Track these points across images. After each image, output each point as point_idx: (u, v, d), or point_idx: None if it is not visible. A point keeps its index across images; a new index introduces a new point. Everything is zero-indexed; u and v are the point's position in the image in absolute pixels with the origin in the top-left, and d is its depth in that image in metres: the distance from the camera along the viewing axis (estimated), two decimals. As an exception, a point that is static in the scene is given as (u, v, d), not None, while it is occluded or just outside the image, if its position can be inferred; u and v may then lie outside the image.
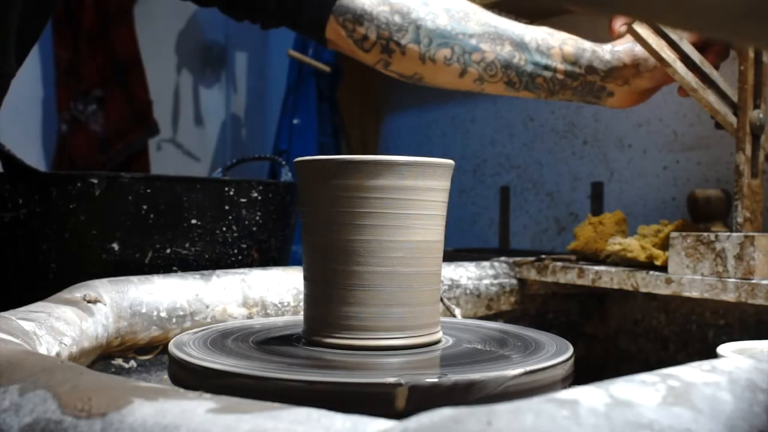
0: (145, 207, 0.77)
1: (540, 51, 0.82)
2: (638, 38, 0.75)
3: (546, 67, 0.83)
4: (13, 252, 0.77)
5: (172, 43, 2.47)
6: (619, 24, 0.76)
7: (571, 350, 0.51)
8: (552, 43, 0.83)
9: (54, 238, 0.75)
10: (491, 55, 0.82)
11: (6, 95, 0.73)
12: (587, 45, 0.83)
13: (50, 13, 0.77)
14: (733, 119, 0.76)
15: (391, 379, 0.41)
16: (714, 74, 0.76)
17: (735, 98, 0.76)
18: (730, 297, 0.70)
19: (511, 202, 1.57)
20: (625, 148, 1.36)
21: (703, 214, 0.87)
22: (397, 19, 0.81)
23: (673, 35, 0.75)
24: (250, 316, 0.71)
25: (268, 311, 0.73)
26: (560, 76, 0.83)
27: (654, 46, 0.74)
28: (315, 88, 2.06)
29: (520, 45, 0.82)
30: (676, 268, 0.75)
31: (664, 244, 0.81)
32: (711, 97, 0.76)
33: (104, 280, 0.65)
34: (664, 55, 0.74)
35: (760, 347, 0.59)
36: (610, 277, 0.82)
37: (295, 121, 2.06)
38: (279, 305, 0.74)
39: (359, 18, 0.81)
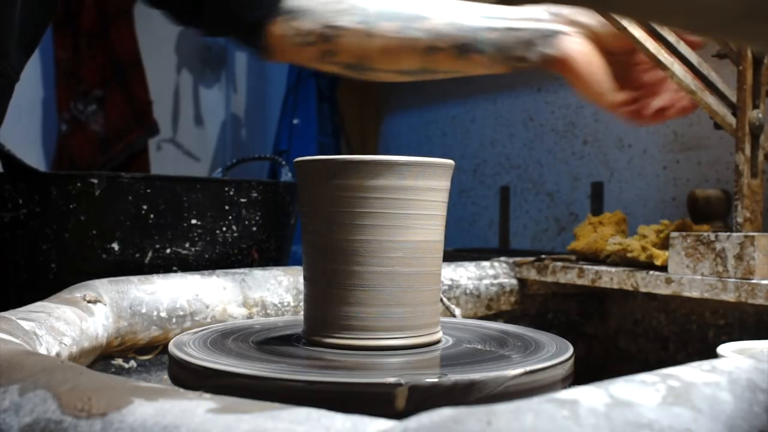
0: (145, 207, 0.77)
1: (487, 2, 0.80)
2: (635, 41, 0.75)
3: (495, 17, 0.79)
4: (13, 252, 0.77)
5: (172, 43, 2.47)
6: None
7: (571, 350, 0.51)
8: None
9: (54, 238, 0.75)
10: (438, 20, 0.79)
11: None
12: None
13: (52, 16, 0.77)
14: (732, 120, 0.76)
15: (391, 379, 0.41)
16: (712, 75, 0.76)
17: (734, 99, 0.76)
18: (730, 297, 0.70)
19: (511, 202, 1.57)
20: (625, 148, 1.36)
21: (703, 214, 0.87)
22: (340, 7, 0.80)
23: (670, 38, 0.75)
24: (250, 316, 0.71)
25: (268, 311, 0.73)
26: (510, 23, 0.78)
27: (651, 49, 0.74)
28: (315, 88, 2.07)
29: (465, 4, 0.80)
30: (676, 268, 0.75)
31: (664, 244, 0.81)
32: (710, 99, 0.76)
33: (104, 280, 0.65)
34: (661, 58, 0.74)
35: (760, 347, 0.59)
36: (610, 277, 0.82)
37: (295, 121, 2.06)
38: (279, 305, 0.74)
39: (302, 14, 0.80)
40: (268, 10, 0.80)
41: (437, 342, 0.54)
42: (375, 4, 0.80)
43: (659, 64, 0.75)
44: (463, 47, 0.79)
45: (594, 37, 0.77)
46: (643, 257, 0.81)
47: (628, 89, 0.78)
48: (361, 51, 0.81)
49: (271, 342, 0.54)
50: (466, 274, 0.87)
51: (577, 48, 0.76)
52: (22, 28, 0.70)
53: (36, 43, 0.75)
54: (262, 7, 0.80)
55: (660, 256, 0.79)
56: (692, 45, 0.76)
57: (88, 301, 0.60)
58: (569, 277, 0.87)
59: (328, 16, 0.80)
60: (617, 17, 0.73)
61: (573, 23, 0.77)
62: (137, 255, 0.77)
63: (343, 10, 0.80)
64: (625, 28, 0.74)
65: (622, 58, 0.78)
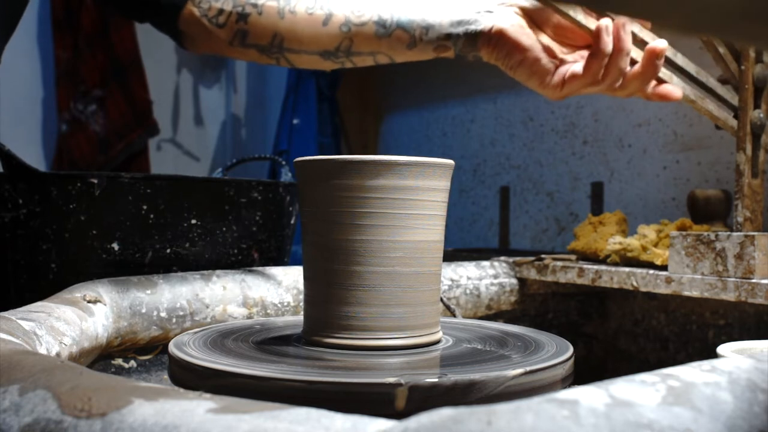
0: (145, 207, 0.77)
1: None
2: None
3: None
4: (13, 252, 0.77)
5: (172, 43, 2.47)
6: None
7: (571, 350, 0.51)
8: None
9: (54, 238, 0.75)
10: None
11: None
12: None
13: (25, 5, 0.76)
14: (734, 122, 0.76)
15: (391, 379, 0.41)
16: (711, 81, 0.76)
17: (734, 101, 0.76)
18: (730, 296, 0.70)
19: (511, 202, 1.57)
20: (625, 148, 1.36)
21: (703, 214, 0.87)
22: None
23: (668, 52, 0.75)
24: (250, 316, 0.71)
25: (268, 311, 0.73)
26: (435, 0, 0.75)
27: None
28: (315, 88, 2.07)
29: None
30: (676, 268, 0.75)
31: (665, 244, 0.81)
32: (710, 105, 0.76)
33: (104, 280, 0.65)
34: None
35: (760, 347, 0.59)
36: (610, 277, 0.82)
37: (295, 121, 2.06)
38: (279, 305, 0.74)
39: None
40: None
41: (437, 342, 0.54)
42: None
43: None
44: (384, 24, 0.76)
45: (523, 13, 0.74)
46: (643, 257, 0.81)
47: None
48: (275, 30, 0.78)
49: (271, 342, 0.54)
50: (466, 274, 0.87)
51: (509, 20, 0.74)
52: None
53: (14, 27, 0.75)
54: None
55: (660, 256, 0.79)
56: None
57: (88, 301, 0.60)
58: (569, 276, 0.87)
59: None
60: (615, 17, 0.73)
61: (503, 2, 0.75)
62: (137, 255, 0.77)
63: None
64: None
65: (553, 32, 0.75)
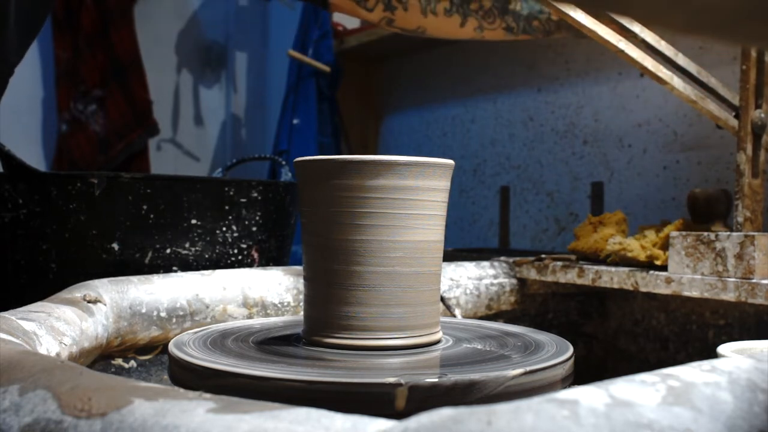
0: (145, 207, 0.77)
1: None
2: (633, 61, 0.75)
3: (541, 11, 0.90)
4: (13, 252, 0.77)
5: (172, 43, 2.47)
6: None
7: (571, 350, 0.51)
8: None
9: (54, 238, 0.75)
10: (488, 2, 0.89)
11: (4, 94, 0.73)
12: None
13: (50, 7, 0.77)
14: (734, 122, 0.76)
15: (391, 379, 0.41)
16: (712, 81, 0.76)
17: (735, 101, 0.76)
18: (730, 296, 0.70)
19: (511, 202, 1.57)
20: (625, 148, 1.36)
21: (703, 214, 0.87)
22: None
23: (668, 52, 0.75)
24: (250, 316, 0.71)
25: (268, 311, 0.73)
26: (555, 17, 0.90)
27: (650, 67, 0.74)
28: (315, 88, 2.06)
29: None
30: (676, 268, 0.75)
31: (665, 244, 0.81)
32: (711, 105, 0.76)
33: (104, 280, 0.65)
34: (661, 74, 0.74)
35: (760, 347, 0.59)
36: (610, 277, 0.82)
37: (295, 121, 2.06)
38: (279, 305, 0.74)
39: None
40: None
41: (437, 342, 0.54)
42: None
43: (659, 79, 0.75)
44: (510, 29, 0.90)
45: None
46: (643, 257, 0.81)
47: None
48: (419, 24, 0.91)
49: (271, 342, 0.54)
50: (466, 274, 0.87)
51: None
52: (18, 23, 0.70)
53: (33, 37, 0.75)
54: None
55: (660, 256, 0.79)
56: None
57: (88, 301, 0.60)
58: (569, 276, 0.87)
59: None
60: (618, 18, 0.74)
61: None
62: (137, 255, 0.77)
63: None
64: (622, 51, 0.74)
65: None
